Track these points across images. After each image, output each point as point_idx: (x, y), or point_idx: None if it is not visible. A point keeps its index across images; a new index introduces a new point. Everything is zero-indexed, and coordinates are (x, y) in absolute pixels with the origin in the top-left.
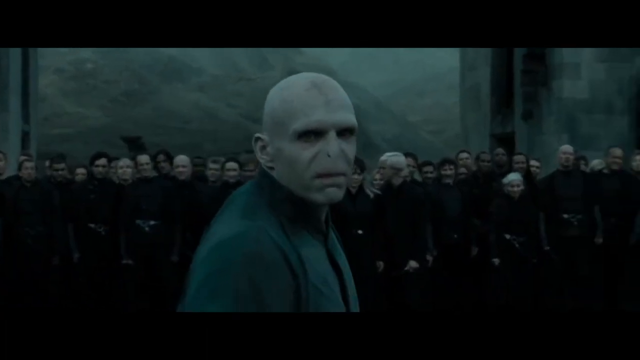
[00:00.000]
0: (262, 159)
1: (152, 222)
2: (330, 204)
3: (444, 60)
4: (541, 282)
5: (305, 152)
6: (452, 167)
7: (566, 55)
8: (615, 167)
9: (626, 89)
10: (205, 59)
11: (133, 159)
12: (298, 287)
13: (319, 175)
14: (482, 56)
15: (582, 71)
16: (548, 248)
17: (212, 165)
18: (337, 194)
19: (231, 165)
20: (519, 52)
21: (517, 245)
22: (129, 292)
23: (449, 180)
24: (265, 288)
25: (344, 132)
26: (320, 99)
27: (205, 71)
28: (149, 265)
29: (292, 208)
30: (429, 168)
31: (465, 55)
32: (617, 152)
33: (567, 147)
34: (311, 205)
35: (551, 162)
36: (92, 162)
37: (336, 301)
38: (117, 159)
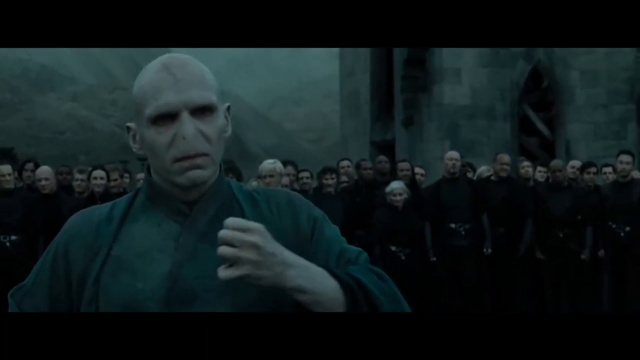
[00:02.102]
0: (134, 147)
1: (13, 237)
2: (194, 186)
3: (319, 68)
4: (427, 294)
5: (161, 137)
6: (333, 175)
7: (446, 60)
8: (503, 174)
9: (508, 95)
10: (78, 68)
11: None
12: (99, 248)
13: (177, 159)
14: (361, 62)
15: (463, 76)
16: (434, 259)
17: (77, 176)
18: (199, 175)
19: (98, 173)
20: (398, 57)
21: (403, 257)
22: None
23: (331, 189)
24: (69, 247)
25: (201, 110)
26: (169, 80)
27: (79, 80)
28: (10, 282)
29: (148, 189)
30: (305, 174)
31: (343, 61)
32: (505, 158)
33: (454, 153)
34: (170, 188)
35: (432, 169)
36: None
37: (142, 275)
38: None
